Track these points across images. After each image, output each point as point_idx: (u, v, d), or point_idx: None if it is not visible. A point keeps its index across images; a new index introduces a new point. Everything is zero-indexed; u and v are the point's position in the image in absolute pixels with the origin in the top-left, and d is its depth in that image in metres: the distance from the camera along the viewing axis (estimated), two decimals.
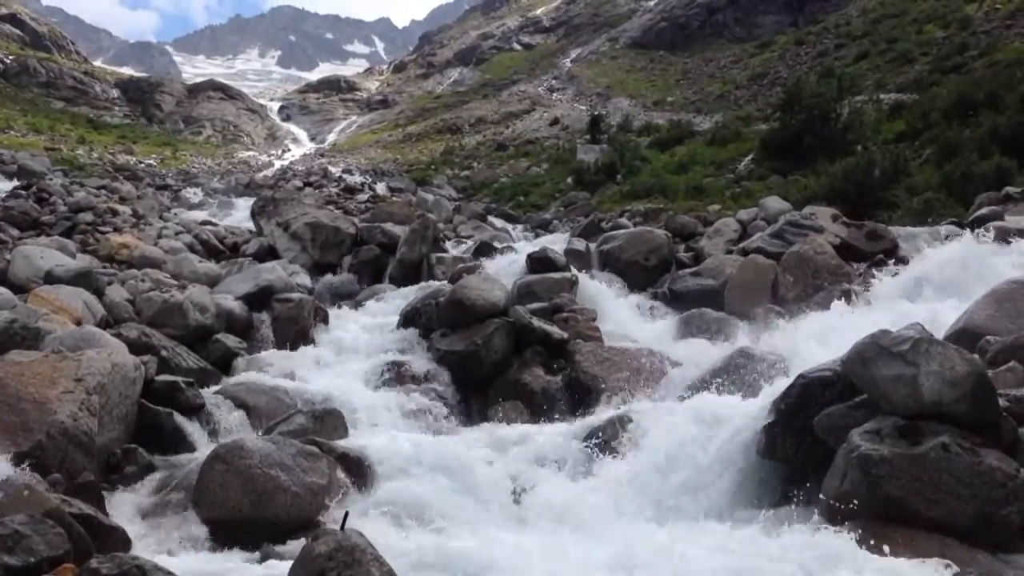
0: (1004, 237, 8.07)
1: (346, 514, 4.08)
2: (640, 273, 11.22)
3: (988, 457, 3.65)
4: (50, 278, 9.23)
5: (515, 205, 27.16)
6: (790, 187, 17.53)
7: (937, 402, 3.81)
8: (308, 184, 33.11)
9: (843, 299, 7.85)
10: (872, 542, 3.45)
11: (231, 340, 8.56)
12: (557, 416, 6.82)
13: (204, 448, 5.70)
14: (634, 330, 9.08)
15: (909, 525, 3.60)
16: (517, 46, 78.67)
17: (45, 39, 70.66)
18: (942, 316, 6.37)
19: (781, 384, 4.86)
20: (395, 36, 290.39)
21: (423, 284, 11.30)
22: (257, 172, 40.70)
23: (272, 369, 7.80)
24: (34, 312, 7.39)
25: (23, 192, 17.64)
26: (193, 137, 61.10)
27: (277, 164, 47.80)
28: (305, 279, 12.13)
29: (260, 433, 6.11)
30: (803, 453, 4.45)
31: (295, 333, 9.18)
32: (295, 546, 4.11)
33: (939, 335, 4.80)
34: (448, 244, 15.18)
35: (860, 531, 3.56)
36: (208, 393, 6.65)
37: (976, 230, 8.52)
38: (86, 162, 35.40)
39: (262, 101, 79.36)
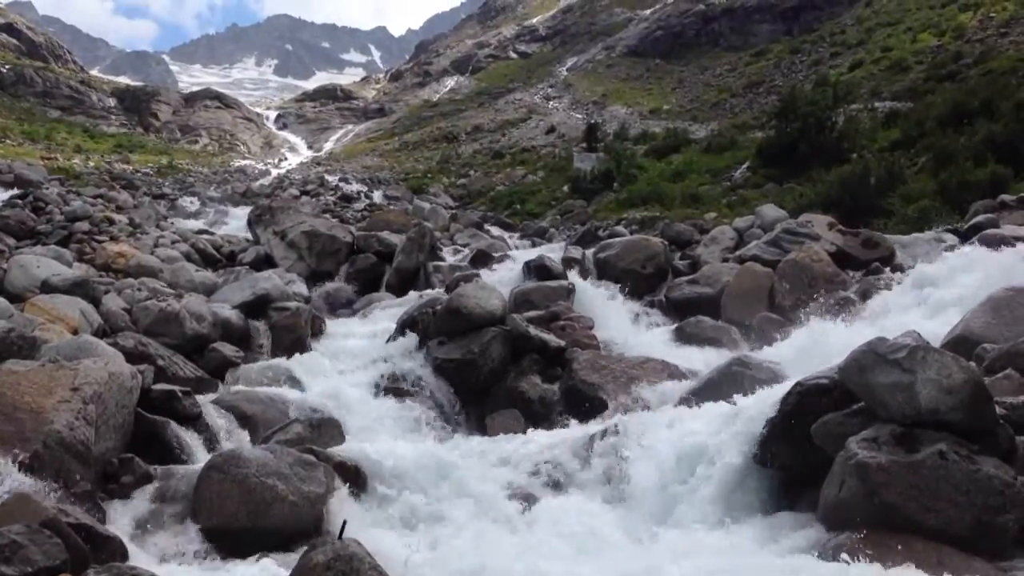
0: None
1: (344, 523, 4.08)
2: (637, 281, 11.23)
3: (985, 465, 3.65)
4: (47, 287, 9.23)
5: (512, 213, 27.20)
6: (786, 195, 17.61)
7: (934, 410, 3.81)
8: (305, 193, 33.11)
9: (839, 306, 7.88)
10: (869, 550, 3.45)
11: (228, 349, 8.55)
12: (554, 424, 6.81)
13: (201, 457, 5.68)
14: (631, 338, 9.09)
15: (906, 533, 3.60)
16: (513, 55, 78.79)
17: (42, 48, 70.61)
18: (938, 323, 6.39)
19: (778, 392, 4.87)
20: (391, 45, 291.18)
21: (420, 292, 11.30)
22: (254, 181, 40.61)
23: (269, 378, 7.78)
24: (31, 321, 7.38)
25: (19, 201, 17.60)
26: (190, 146, 61.03)
27: (274, 173, 47.72)
28: (302, 288, 12.11)
29: (257, 442, 6.11)
30: (801, 461, 4.45)
31: (292, 341, 9.18)
32: (293, 555, 4.10)
33: (935, 343, 4.82)
34: (445, 252, 15.19)
35: (857, 539, 3.56)
36: (205, 402, 6.61)
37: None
38: (82, 171, 35.30)
39: (259, 110, 79.36)
